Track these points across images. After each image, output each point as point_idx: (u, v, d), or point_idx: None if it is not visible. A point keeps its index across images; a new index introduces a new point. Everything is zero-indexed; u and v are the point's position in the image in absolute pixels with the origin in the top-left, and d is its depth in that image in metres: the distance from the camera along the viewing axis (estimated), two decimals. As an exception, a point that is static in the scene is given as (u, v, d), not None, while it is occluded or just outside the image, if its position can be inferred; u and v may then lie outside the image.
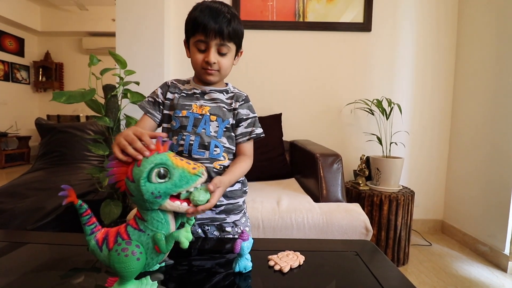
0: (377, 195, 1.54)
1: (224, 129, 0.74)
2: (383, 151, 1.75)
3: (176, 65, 1.96)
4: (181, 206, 0.45)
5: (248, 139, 0.77)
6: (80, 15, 4.67)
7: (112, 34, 1.86)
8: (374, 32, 1.98)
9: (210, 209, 0.71)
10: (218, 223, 0.76)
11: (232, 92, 0.78)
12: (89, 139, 1.83)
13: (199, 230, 0.76)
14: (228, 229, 0.77)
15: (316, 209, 1.10)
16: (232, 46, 0.73)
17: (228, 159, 0.75)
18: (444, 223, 2.03)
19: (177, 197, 0.46)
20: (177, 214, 0.51)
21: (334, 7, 1.96)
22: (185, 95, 0.76)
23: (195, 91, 0.76)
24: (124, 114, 1.52)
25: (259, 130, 0.78)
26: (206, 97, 0.76)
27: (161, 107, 0.77)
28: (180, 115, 0.73)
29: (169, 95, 0.76)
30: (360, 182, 1.67)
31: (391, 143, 1.77)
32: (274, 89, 2.02)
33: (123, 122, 1.51)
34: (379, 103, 1.71)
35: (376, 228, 1.55)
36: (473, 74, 1.83)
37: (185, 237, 0.43)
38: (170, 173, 0.43)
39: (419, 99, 2.02)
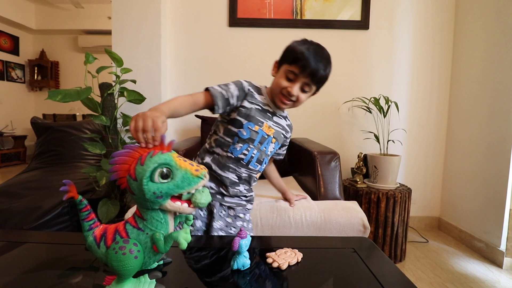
0: (374, 193, 1.55)
1: (275, 151, 0.90)
2: (380, 149, 1.75)
3: (173, 63, 1.95)
4: (182, 207, 0.45)
5: (277, 155, 0.98)
6: (76, 13, 4.62)
7: (108, 32, 1.84)
8: (372, 30, 1.98)
9: (238, 196, 0.86)
10: (241, 208, 0.87)
11: (288, 120, 0.91)
12: (86, 138, 1.81)
13: (222, 233, 0.83)
14: (245, 224, 0.87)
15: (314, 206, 1.11)
16: (314, 88, 0.80)
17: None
18: (440, 220, 2.05)
19: (178, 197, 0.45)
20: (176, 214, 0.51)
21: (331, 5, 1.95)
22: (260, 109, 0.82)
23: (269, 108, 0.84)
24: (121, 112, 1.51)
25: (285, 152, 0.99)
26: (274, 119, 0.85)
27: (229, 107, 0.79)
28: (254, 128, 0.80)
29: (246, 104, 0.80)
30: (358, 179, 1.68)
31: (388, 141, 1.77)
32: (272, 87, 2.01)
33: (119, 121, 1.50)
34: (376, 101, 1.72)
35: (373, 225, 1.56)
36: (469, 72, 1.84)
37: (184, 238, 0.43)
38: (173, 174, 0.43)
39: (416, 97, 2.03)
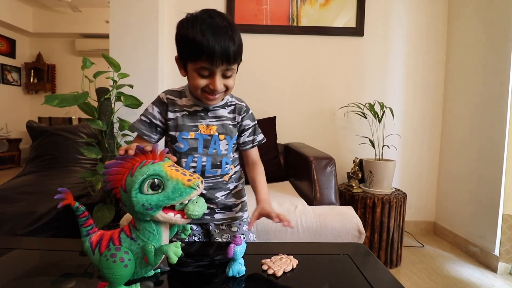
0: (370, 198, 1.56)
1: (233, 145, 0.77)
2: (375, 154, 1.77)
3: (171, 68, 1.95)
4: (174, 218, 0.44)
5: (251, 147, 0.81)
6: (73, 17, 4.63)
7: (106, 36, 1.85)
8: (367, 36, 2.01)
9: (231, 210, 0.80)
10: (239, 220, 0.80)
11: (232, 104, 0.77)
12: (82, 142, 1.80)
13: (226, 236, 0.78)
14: (234, 228, 0.81)
15: (310, 212, 1.11)
16: (235, 67, 0.68)
17: (234, 167, 0.79)
18: (436, 225, 2.06)
19: (171, 207, 0.44)
20: (172, 224, 0.51)
21: (327, 11, 1.98)
22: (187, 113, 0.72)
23: (197, 108, 0.73)
24: (118, 117, 1.51)
25: (260, 137, 0.82)
26: (210, 114, 0.73)
27: (159, 128, 0.74)
28: (189, 137, 0.71)
29: (170, 115, 0.72)
30: (353, 184, 1.69)
31: (383, 146, 1.79)
32: (268, 92, 2.03)
33: (116, 125, 1.50)
34: (371, 107, 1.73)
35: (369, 230, 1.57)
36: (462, 77, 1.87)
37: (174, 252, 0.42)
38: (164, 185, 0.42)
39: (411, 102, 2.05)
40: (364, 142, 1.89)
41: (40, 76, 4.92)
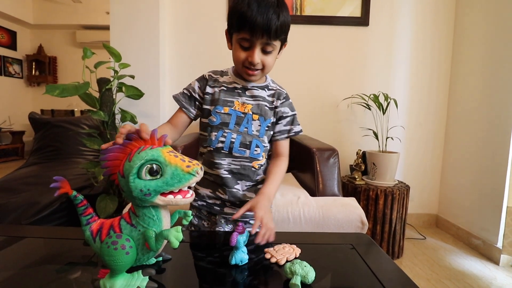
0: (373, 190, 1.55)
1: (266, 128, 0.74)
2: (379, 146, 1.75)
3: (172, 58, 1.93)
4: (175, 199, 0.43)
5: (286, 137, 0.78)
6: (74, 8, 4.58)
7: (106, 27, 1.83)
8: (372, 26, 1.97)
9: (241, 207, 0.74)
10: (247, 219, 0.77)
11: (272, 89, 0.77)
12: (84, 134, 1.81)
13: (230, 228, 0.77)
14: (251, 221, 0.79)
15: (313, 203, 1.11)
16: (278, 43, 0.69)
17: (265, 158, 0.77)
18: (438, 217, 2.05)
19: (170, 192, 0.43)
20: (174, 209, 0.50)
21: (331, 1, 1.94)
22: (225, 89, 0.74)
23: (236, 85, 0.74)
24: (119, 108, 1.50)
25: (297, 128, 0.79)
26: (247, 93, 0.74)
27: (197, 102, 0.75)
28: (222, 111, 0.71)
29: (208, 89, 0.74)
30: (356, 176, 1.68)
31: (387, 138, 1.77)
32: (271, 83, 2.01)
33: (118, 116, 1.49)
34: (375, 98, 1.71)
35: (371, 222, 1.57)
36: (469, 69, 1.84)
37: (175, 236, 0.41)
38: (162, 170, 0.41)
39: (415, 94, 2.02)
40: (367, 134, 1.88)
41: (41, 68, 4.91)
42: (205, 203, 0.77)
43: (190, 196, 0.44)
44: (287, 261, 0.53)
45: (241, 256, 0.53)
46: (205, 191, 0.76)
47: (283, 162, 0.76)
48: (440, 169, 2.07)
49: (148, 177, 0.41)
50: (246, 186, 0.75)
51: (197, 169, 0.43)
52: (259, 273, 0.52)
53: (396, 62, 2.00)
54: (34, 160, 1.88)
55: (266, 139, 0.75)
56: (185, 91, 0.76)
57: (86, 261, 0.56)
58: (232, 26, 0.67)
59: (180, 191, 0.43)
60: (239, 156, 0.72)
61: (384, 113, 1.74)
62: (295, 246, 0.59)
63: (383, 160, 1.62)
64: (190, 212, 0.53)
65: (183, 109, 0.75)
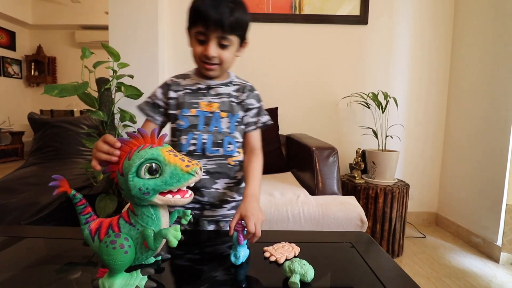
0: (372, 188, 1.55)
1: (236, 123, 0.74)
2: (378, 145, 1.75)
3: (171, 57, 1.93)
4: (174, 199, 0.43)
5: (255, 129, 0.77)
6: (73, 8, 4.57)
7: (105, 27, 1.82)
8: (371, 25, 1.97)
9: (222, 206, 0.74)
10: (228, 219, 0.77)
11: (237, 84, 0.77)
12: (83, 134, 1.80)
13: (212, 227, 0.76)
14: (221, 224, 0.78)
15: (312, 201, 1.11)
16: (234, 38, 0.69)
17: (242, 153, 0.77)
18: (438, 216, 2.06)
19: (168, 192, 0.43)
20: (173, 208, 0.50)
21: (330, -1, 1.94)
22: (189, 91, 0.73)
23: (200, 86, 0.74)
24: (118, 107, 1.50)
25: (265, 118, 0.79)
26: (212, 92, 0.74)
27: (162, 109, 0.75)
28: (189, 114, 0.71)
29: (171, 94, 0.74)
30: (356, 175, 1.68)
31: (386, 136, 1.77)
32: (270, 82, 2.00)
33: (117, 116, 1.49)
34: (375, 97, 1.71)
35: (371, 221, 1.57)
36: (468, 67, 1.84)
37: (174, 235, 0.41)
38: (162, 169, 0.41)
39: (415, 92, 2.02)
40: (367, 133, 1.88)
41: (41, 68, 4.90)
42: (183, 208, 0.75)
43: (189, 196, 0.44)
44: (286, 260, 0.54)
45: (246, 252, 0.53)
46: None
47: (257, 158, 0.74)
48: (440, 167, 2.07)
49: (147, 176, 0.41)
50: (225, 183, 0.74)
51: (197, 169, 0.43)
52: (258, 271, 0.52)
53: (395, 60, 2.00)
54: (33, 160, 1.88)
55: (237, 134, 0.75)
56: (148, 100, 0.76)
57: (86, 261, 0.56)
58: (188, 21, 0.69)
59: (179, 190, 0.43)
60: (213, 156, 0.72)
61: (383, 112, 1.74)
62: (294, 244, 0.59)
63: (382, 159, 1.62)
64: (189, 211, 0.53)
65: (149, 118, 0.74)
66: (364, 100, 1.80)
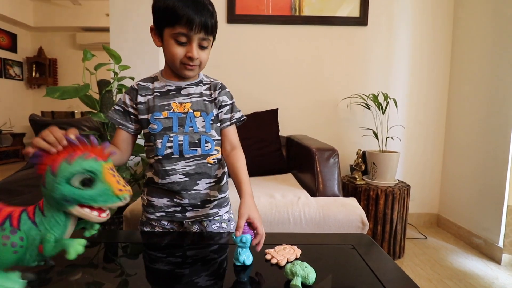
0: (373, 189, 1.55)
1: (211, 122, 0.73)
2: (379, 146, 1.75)
3: (172, 60, 1.93)
4: (90, 214, 0.42)
5: (229, 125, 0.77)
6: (74, 10, 4.60)
7: (106, 29, 1.83)
8: (371, 26, 1.97)
9: (204, 206, 0.73)
10: (212, 217, 0.76)
11: (207, 82, 0.76)
12: (84, 135, 1.81)
13: (196, 227, 0.76)
14: (224, 225, 0.78)
15: (313, 203, 1.11)
16: (211, 39, 0.70)
17: (219, 149, 0.75)
18: (439, 217, 2.05)
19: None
20: (80, 218, 0.46)
21: (330, 1, 1.94)
22: (159, 94, 0.71)
23: (169, 87, 0.72)
24: (119, 109, 1.50)
25: (238, 114, 0.78)
26: (183, 92, 0.72)
27: (132, 116, 0.73)
28: (162, 116, 0.69)
29: (140, 99, 0.72)
30: (357, 176, 1.68)
31: (387, 137, 1.77)
32: (271, 84, 2.01)
33: (118, 118, 1.49)
34: (375, 98, 1.71)
35: (372, 222, 1.56)
36: (468, 67, 1.84)
37: (75, 249, 0.39)
38: (94, 184, 0.41)
39: (415, 93, 2.02)
40: (367, 134, 1.88)
41: (42, 70, 4.92)
42: (164, 213, 0.74)
43: (106, 216, 0.43)
44: (287, 262, 0.54)
45: (249, 254, 0.54)
46: (161, 201, 0.73)
47: (241, 155, 0.74)
48: (441, 168, 2.07)
49: (77, 185, 0.40)
50: (206, 184, 0.73)
51: (126, 195, 0.43)
52: (260, 274, 0.52)
53: (395, 61, 2.00)
54: (34, 162, 1.88)
55: (214, 132, 0.74)
56: (116, 107, 0.73)
57: (87, 263, 0.56)
58: (164, 21, 0.65)
59: (99, 208, 0.43)
60: (192, 156, 0.71)
61: (383, 113, 1.74)
62: (296, 247, 0.59)
63: (383, 160, 1.62)
64: (97, 226, 0.50)
65: (120, 126, 0.73)
66: (364, 101, 1.80)
